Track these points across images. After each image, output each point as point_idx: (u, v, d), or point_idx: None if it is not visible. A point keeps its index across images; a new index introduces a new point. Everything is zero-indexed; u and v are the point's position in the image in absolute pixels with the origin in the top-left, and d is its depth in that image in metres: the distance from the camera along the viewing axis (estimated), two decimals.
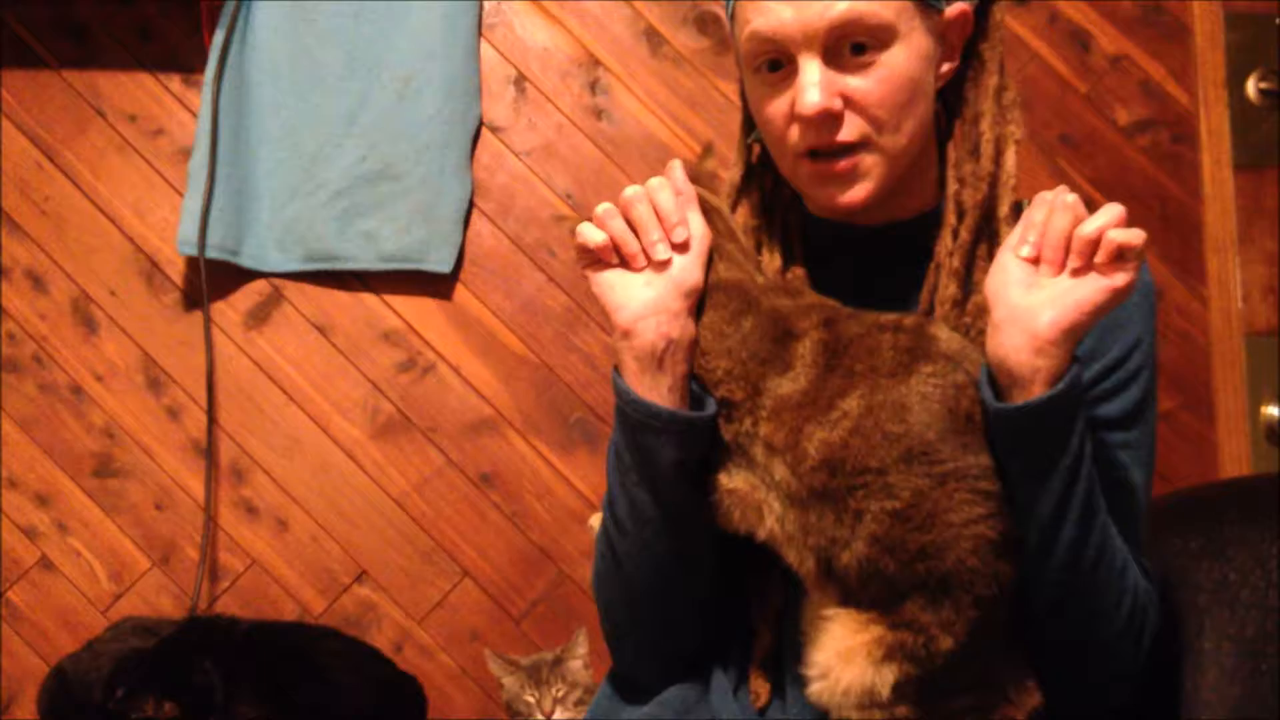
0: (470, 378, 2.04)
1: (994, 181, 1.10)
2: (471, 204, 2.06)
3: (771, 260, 1.18)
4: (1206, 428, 2.02)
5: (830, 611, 1.00)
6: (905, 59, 1.06)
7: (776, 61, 1.08)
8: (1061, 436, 0.96)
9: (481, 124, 2.07)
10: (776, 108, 1.09)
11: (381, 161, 2.02)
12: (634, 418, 1.04)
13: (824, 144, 1.08)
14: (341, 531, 2.02)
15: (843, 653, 0.97)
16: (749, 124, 1.21)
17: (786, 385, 1.01)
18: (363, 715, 1.75)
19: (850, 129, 1.07)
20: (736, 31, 1.12)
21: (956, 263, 1.09)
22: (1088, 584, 1.00)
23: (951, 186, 1.12)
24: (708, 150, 1.16)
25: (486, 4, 2.08)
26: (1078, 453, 0.97)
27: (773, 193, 1.22)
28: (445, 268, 2.03)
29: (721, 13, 2.08)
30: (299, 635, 1.82)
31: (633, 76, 2.07)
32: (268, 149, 2.02)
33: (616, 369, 1.06)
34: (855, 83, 1.06)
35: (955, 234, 1.11)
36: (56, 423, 2.03)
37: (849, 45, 1.05)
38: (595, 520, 1.18)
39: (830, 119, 1.06)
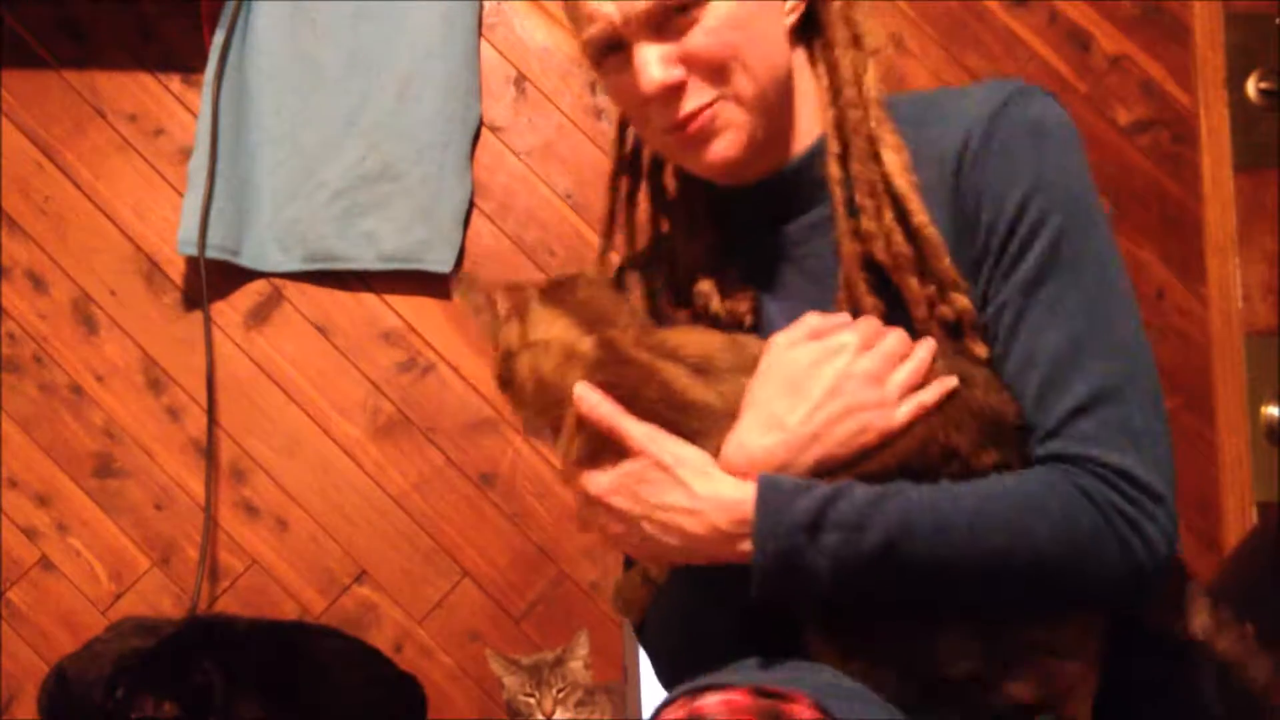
0: (470, 378, 2.04)
1: (861, 102, 1.08)
2: (471, 204, 2.06)
3: (691, 242, 1.17)
4: (1206, 428, 2.02)
5: None
6: (730, 5, 1.05)
7: (609, 47, 1.08)
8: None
9: (481, 124, 2.07)
10: (626, 91, 1.09)
11: (381, 161, 2.02)
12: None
13: (678, 116, 1.06)
14: (341, 531, 2.02)
15: None
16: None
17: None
18: (363, 715, 1.75)
19: (695, 94, 1.06)
20: (573, 34, 1.12)
21: (860, 195, 1.06)
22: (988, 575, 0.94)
23: (828, 113, 1.10)
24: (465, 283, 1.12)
25: (486, 4, 2.08)
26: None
27: (658, 173, 1.22)
28: (445, 268, 2.03)
29: None
30: (299, 635, 1.82)
31: None
32: (268, 149, 2.02)
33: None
34: (687, 42, 1.05)
35: (841, 161, 1.09)
36: (56, 423, 2.03)
37: (672, 12, 1.04)
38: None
39: (673, 91, 1.05)
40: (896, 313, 1.04)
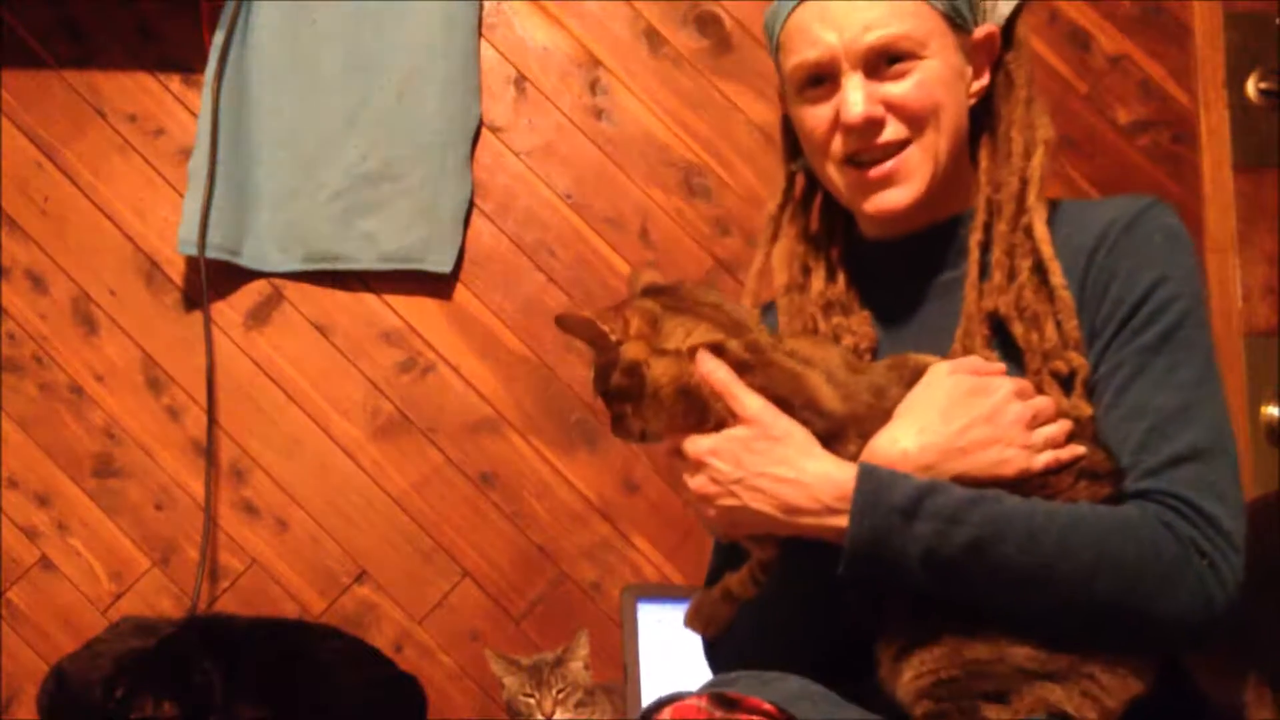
0: (470, 378, 2.04)
1: (1024, 177, 1.17)
2: (471, 204, 2.06)
3: (815, 282, 1.26)
4: None
5: None
6: (939, 68, 1.16)
7: (818, 78, 1.17)
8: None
9: (481, 124, 2.07)
10: (819, 119, 1.18)
11: (381, 161, 2.02)
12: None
13: (865, 147, 1.16)
14: (341, 531, 2.02)
15: None
16: (791, 153, 1.29)
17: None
18: (363, 715, 1.75)
19: (891, 131, 1.16)
20: (782, 60, 1.20)
21: (999, 253, 1.15)
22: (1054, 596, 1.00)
23: (985, 191, 1.19)
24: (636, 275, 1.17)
25: (486, 4, 2.08)
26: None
27: (819, 219, 1.29)
28: (445, 268, 2.03)
29: (721, 12, 2.08)
30: (299, 634, 1.82)
31: (633, 76, 2.07)
32: (268, 149, 2.02)
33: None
34: (894, 89, 1.15)
35: (987, 229, 1.17)
36: (56, 423, 2.03)
37: (886, 59, 1.15)
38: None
39: (873, 125, 1.14)
40: (1010, 366, 1.12)
